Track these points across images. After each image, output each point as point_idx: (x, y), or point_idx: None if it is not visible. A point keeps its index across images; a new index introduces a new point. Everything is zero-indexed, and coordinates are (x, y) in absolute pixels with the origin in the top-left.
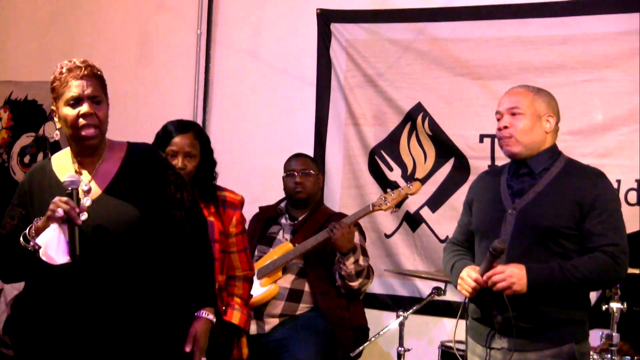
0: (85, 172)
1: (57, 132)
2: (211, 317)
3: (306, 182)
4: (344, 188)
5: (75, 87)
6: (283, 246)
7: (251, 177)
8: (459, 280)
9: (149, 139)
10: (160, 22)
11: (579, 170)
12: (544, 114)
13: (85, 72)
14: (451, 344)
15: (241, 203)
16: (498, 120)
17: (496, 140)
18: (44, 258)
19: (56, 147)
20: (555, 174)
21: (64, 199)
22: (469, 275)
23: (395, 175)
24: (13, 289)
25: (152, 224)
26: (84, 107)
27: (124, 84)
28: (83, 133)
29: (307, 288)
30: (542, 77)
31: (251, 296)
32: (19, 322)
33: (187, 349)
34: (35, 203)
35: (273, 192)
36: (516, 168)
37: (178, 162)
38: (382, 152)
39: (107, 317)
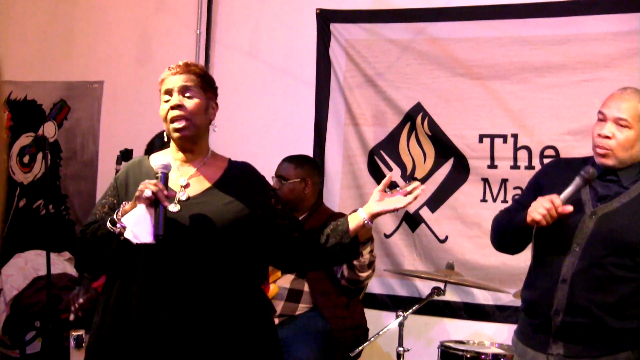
0: (185, 168)
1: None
2: None
3: (282, 189)
4: (344, 188)
5: (168, 82)
6: None
7: None
8: (535, 205)
9: (148, 138)
10: (159, 22)
11: None
12: None
13: (180, 69)
14: (451, 344)
15: None
16: (600, 120)
17: (593, 140)
18: (129, 236)
19: (56, 147)
20: None
21: (153, 181)
22: (552, 199)
23: (394, 175)
24: (12, 289)
25: (251, 228)
26: (173, 99)
27: (124, 84)
28: (173, 125)
29: (306, 288)
30: (542, 77)
31: None
32: (96, 320)
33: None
34: (129, 194)
35: None
36: (603, 172)
37: None
38: (382, 152)
39: (188, 313)
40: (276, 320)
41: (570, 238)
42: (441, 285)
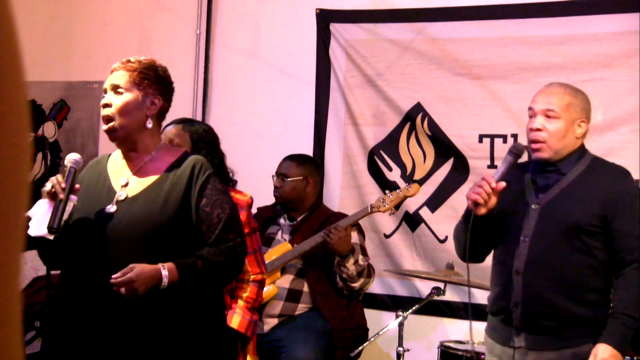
0: (129, 166)
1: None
2: (165, 273)
3: (284, 187)
4: (343, 188)
5: (106, 81)
6: (282, 246)
7: (250, 176)
8: (470, 188)
9: None
10: (159, 22)
11: (604, 168)
12: (577, 119)
13: (118, 67)
14: (450, 344)
15: (248, 204)
16: (530, 117)
17: (527, 137)
18: (28, 231)
19: (56, 147)
20: (581, 171)
21: (59, 175)
22: (484, 177)
23: (394, 175)
24: None
25: (178, 232)
26: (104, 98)
27: None
28: (103, 127)
29: (305, 288)
30: (542, 77)
31: (261, 300)
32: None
33: (114, 275)
34: (82, 193)
35: (272, 193)
36: (543, 165)
37: None
38: (382, 152)
39: (117, 315)
40: (276, 320)
41: (518, 232)
42: (441, 285)
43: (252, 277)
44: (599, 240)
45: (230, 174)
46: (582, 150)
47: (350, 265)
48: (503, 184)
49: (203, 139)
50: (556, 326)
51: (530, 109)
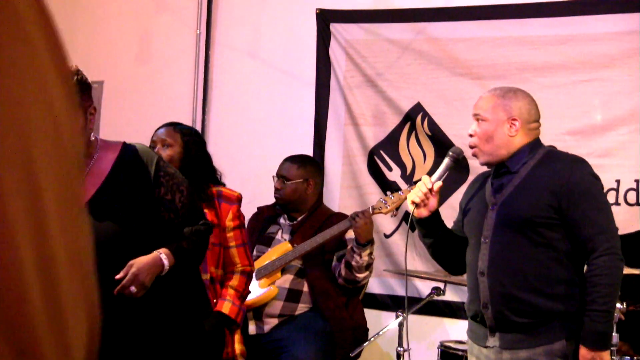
0: None
1: None
2: (164, 257)
3: (285, 189)
4: (343, 188)
5: None
6: (282, 246)
7: (250, 177)
8: (412, 191)
9: (148, 138)
10: (159, 22)
11: (556, 158)
12: (506, 118)
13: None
14: (450, 344)
15: (238, 199)
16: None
17: None
18: None
19: None
20: (532, 166)
21: None
22: (422, 178)
23: (394, 175)
24: None
25: (139, 230)
26: None
27: (123, 84)
28: None
29: (305, 288)
30: (542, 77)
31: (249, 292)
32: None
33: (117, 276)
34: None
35: (271, 192)
36: (496, 168)
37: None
38: (382, 152)
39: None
40: (276, 320)
41: (480, 234)
42: (441, 285)
43: (240, 268)
44: (557, 232)
45: (219, 177)
46: (533, 146)
47: (365, 255)
48: (439, 184)
49: (193, 140)
50: (528, 323)
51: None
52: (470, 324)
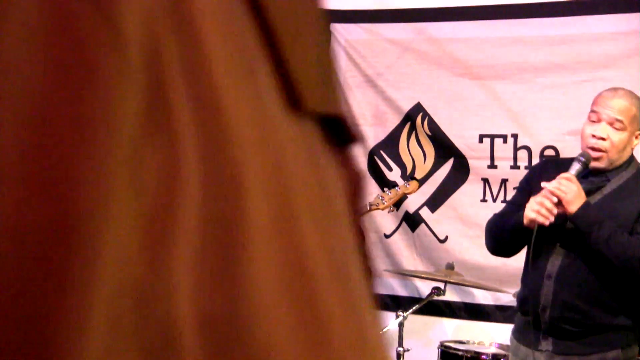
0: None
1: None
2: None
3: None
4: None
5: None
6: None
7: None
8: (533, 204)
9: None
10: None
11: None
12: (637, 131)
13: None
14: (450, 344)
15: None
16: (592, 121)
17: (584, 140)
18: None
19: None
20: (626, 179)
21: None
22: (545, 195)
23: (394, 175)
24: None
25: None
26: None
27: None
28: None
29: None
30: (542, 77)
31: None
32: None
33: None
34: None
35: None
36: (590, 170)
37: None
38: (382, 152)
39: None
40: None
41: (556, 235)
42: (441, 285)
43: None
44: None
45: None
46: (632, 159)
47: None
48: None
49: None
50: (583, 332)
51: (594, 112)
52: (520, 325)
